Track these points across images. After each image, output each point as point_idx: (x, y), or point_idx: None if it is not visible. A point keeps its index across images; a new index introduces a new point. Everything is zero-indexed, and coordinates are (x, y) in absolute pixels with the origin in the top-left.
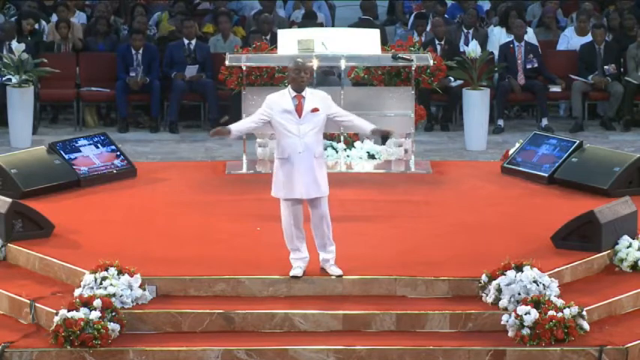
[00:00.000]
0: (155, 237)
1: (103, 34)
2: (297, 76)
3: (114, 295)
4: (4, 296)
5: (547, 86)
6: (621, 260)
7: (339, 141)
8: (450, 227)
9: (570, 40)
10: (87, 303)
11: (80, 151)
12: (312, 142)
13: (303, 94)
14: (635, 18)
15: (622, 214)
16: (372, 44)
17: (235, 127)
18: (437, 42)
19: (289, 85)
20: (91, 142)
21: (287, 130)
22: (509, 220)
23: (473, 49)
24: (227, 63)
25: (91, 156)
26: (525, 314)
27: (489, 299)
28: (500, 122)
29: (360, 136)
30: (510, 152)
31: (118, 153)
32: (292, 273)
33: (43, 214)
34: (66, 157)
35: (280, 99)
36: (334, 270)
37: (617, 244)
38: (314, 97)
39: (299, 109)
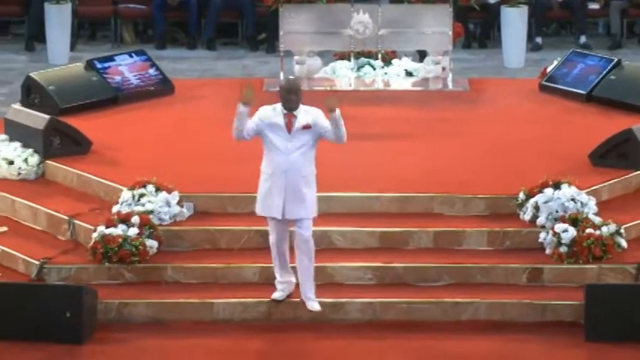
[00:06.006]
0: (193, 154)
1: None
2: (287, 97)
3: (152, 211)
4: (42, 213)
5: (585, 3)
6: None
7: (376, 58)
8: (488, 145)
9: None
10: (125, 220)
11: (114, 60)
12: (300, 160)
13: (295, 112)
14: None
15: None
16: None
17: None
18: None
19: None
20: (126, 54)
21: (274, 146)
22: (546, 137)
23: None
24: None
25: (123, 65)
26: (563, 232)
27: (527, 217)
28: (539, 39)
29: (397, 53)
30: (548, 70)
31: (152, 63)
32: (273, 296)
33: (80, 130)
34: (100, 66)
35: (272, 112)
36: (313, 305)
37: None
38: (307, 114)
39: (289, 125)
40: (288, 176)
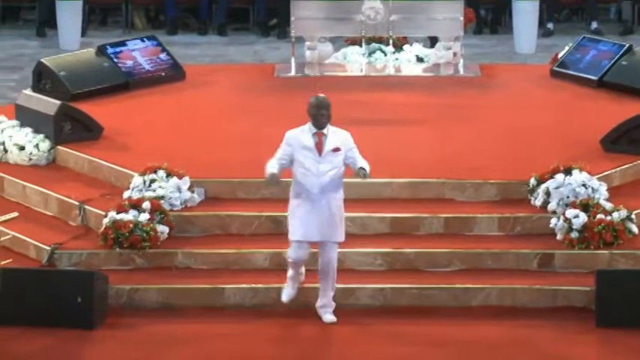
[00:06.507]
0: (204, 140)
1: None
2: (317, 113)
3: (163, 197)
4: (53, 198)
5: None
6: None
7: (387, 44)
8: (499, 130)
9: None
10: (136, 205)
11: (126, 45)
12: (331, 183)
13: (325, 131)
14: None
15: None
16: None
17: (275, 168)
18: None
19: (310, 122)
20: (138, 39)
21: (305, 168)
22: (558, 123)
23: None
24: None
25: (136, 50)
26: (574, 217)
27: (538, 202)
28: (550, 25)
29: (408, 39)
30: (560, 55)
31: (162, 48)
32: (283, 299)
33: (91, 116)
34: (111, 51)
35: (300, 135)
36: (328, 317)
37: None
38: (336, 135)
39: (319, 147)
40: (319, 198)
